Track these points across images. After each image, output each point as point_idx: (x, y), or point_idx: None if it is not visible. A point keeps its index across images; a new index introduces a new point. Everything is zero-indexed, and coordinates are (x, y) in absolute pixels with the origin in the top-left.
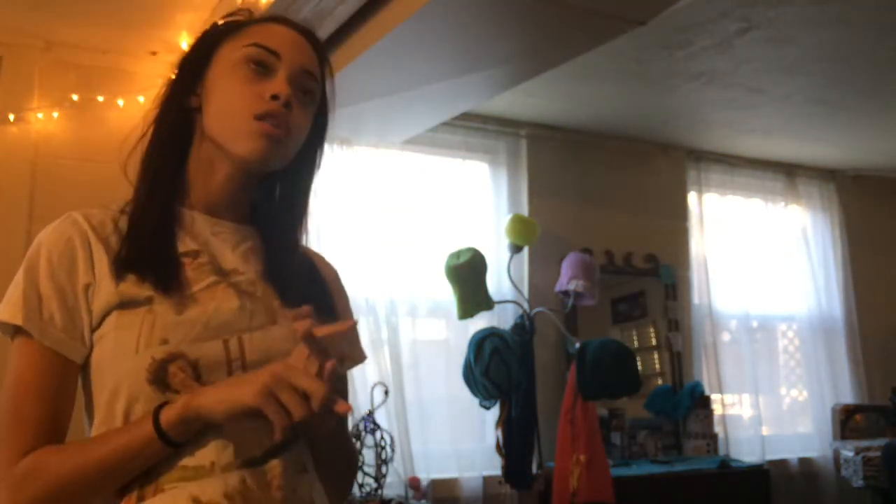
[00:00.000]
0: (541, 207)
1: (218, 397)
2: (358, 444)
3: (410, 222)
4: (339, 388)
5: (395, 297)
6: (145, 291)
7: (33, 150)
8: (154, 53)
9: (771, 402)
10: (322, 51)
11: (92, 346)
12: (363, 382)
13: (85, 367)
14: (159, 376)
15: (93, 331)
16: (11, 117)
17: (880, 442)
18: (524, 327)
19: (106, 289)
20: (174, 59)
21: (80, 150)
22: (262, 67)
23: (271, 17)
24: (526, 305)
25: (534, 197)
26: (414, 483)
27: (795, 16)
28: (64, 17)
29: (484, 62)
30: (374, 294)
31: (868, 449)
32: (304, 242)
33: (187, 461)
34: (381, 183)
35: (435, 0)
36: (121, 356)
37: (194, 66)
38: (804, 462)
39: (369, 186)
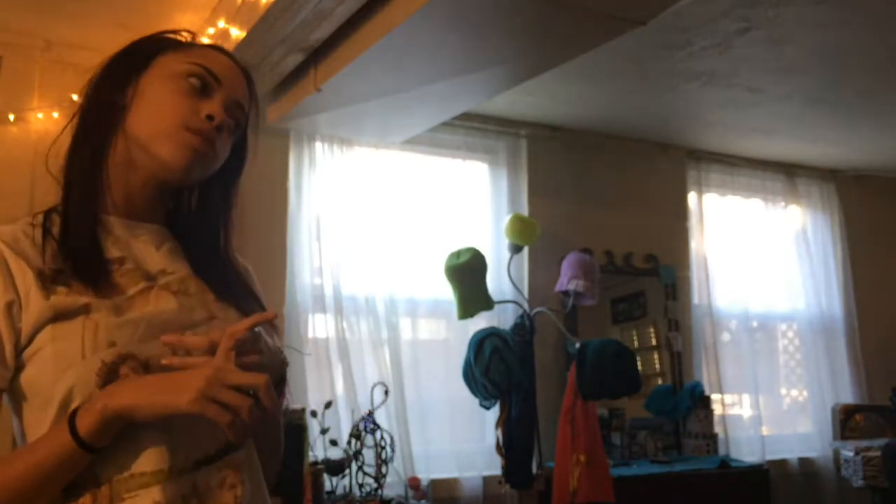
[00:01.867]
0: (541, 207)
1: (145, 400)
2: (358, 444)
3: (410, 222)
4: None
5: (395, 297)
6: (81, 299)
7: (33, 150)
8: None
9: (771, 402)
10: (254, 91)
11: (20, 367)
12: (363, 382)
13: (13, 391)
14: (111, 379)
15: (20, 351)
16: (11, 117)
17: (880, 442)
18: (524, 327)
19: (35, 304)
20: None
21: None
22: (201, 87)
23: (215, 47)
24: (526, 305)
25: (534, 197)
26: (414, 483)
27: (795, 16)
28: (64, 17)
29: (484, 62)
30: (374, 294)
31: (868, 449)
32: (230, 252)
33: (144, 467)
34: (381, 183)
35: (435, 0)
36: (66, 366)
37: (129, 65)
38: (804, 462)
39: (369, 186)
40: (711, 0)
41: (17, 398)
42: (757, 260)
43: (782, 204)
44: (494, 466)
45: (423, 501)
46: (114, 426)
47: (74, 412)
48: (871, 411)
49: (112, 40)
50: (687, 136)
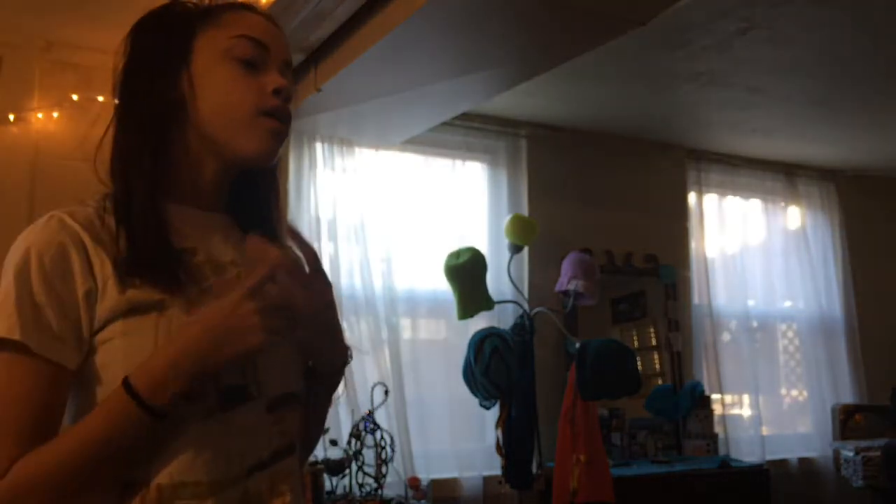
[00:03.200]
0: (541, 207)
1: (213, 352)
2: (358, 444)
3: (410, 222)
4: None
5: (395, 296)
6: (155, 295)
7: (33, 150)
8: None
9: (771, 402)
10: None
11: (91, 351)
12: (363, 382)
13: (83, 373)
14: None
15: (92, 335)
16: (11, 117)
17: (880, 442)
18: (524, 327)
19: (111, 295)
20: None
21: (80, 150)
22: (252, 60)
23: (243, 6)
24: (526, 305)
25: (534, 197)
26: (414, 483)
27: (795, 16)
28: (64, 17)
29: (484, 62)
30: (373, 294)
31: (868, 449)
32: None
33: (200, 476)
34: (381, 183)
35: (435, 0)
36: (136, 361)
37: (171, 55)
38: (804, 462)
39: (369, 186)
40: (711, 0)
41: (86, 381)
42: (757, 260)
43: (782, 204)
44: (494, 466)
45: (423, 501)
46: (182, 379)
47: (126, 378)
48: (871, 411)
49: (112, 40)
50: (687, 136)
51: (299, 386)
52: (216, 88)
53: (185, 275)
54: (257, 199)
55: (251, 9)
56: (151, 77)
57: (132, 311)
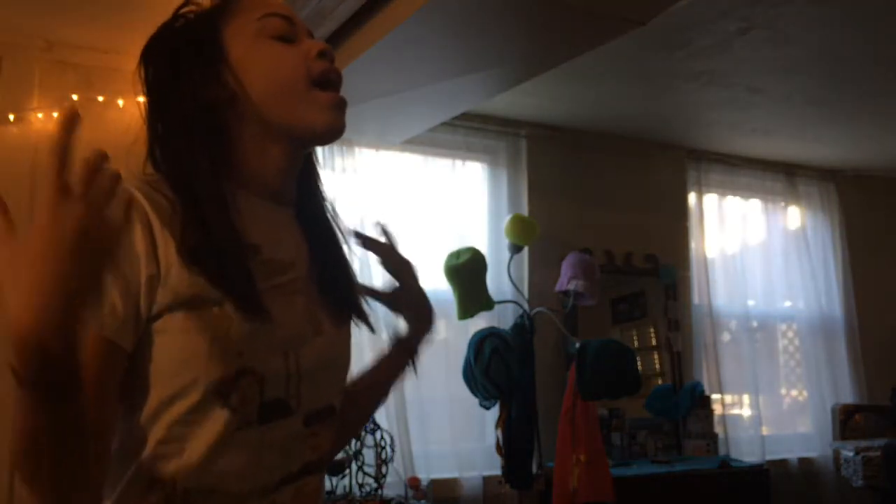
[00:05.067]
0: (541, 207)
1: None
2: (358, 444)
3: (410, 222)
4: None
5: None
6: (215, 292)
7: (33, 150)
8: None
9: (771, 402)
10: None
11: (146, 339)
12: None
13: (135, 356)
14: (225, 388)
15: (150, 320)
16: (11, 117)
17: (880, 442)
18: (524, 327)
19: (176, 280)
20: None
21: (80, 150)
22: (285, 34)
23: None
24: (526, 305)
25: (534, 197)
26: (414, 483)
27: (795, 16)
28: (64, 17)
29: (484, 62)
30: None
31: (868, 449)
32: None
33: (230, 486)
34: (381, 183)
35: (435, 0)
36: (188, 362)
37: (206, 57)
38: (804, 462)
39: (369, 186)
40: (711, 0)
41: (137, 364)
42: (757, 260)
43: (782, 204)
44: (494, 466)
45: (423, 501)
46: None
47: None
48: (871, 411)
49: (112, 40)
50: (687, 136)
51: (339, 399)
52: (262, 71)
53: (251, 280)
54: (311, 190)
55: None
56: (194, 85)
57: (193, 302)
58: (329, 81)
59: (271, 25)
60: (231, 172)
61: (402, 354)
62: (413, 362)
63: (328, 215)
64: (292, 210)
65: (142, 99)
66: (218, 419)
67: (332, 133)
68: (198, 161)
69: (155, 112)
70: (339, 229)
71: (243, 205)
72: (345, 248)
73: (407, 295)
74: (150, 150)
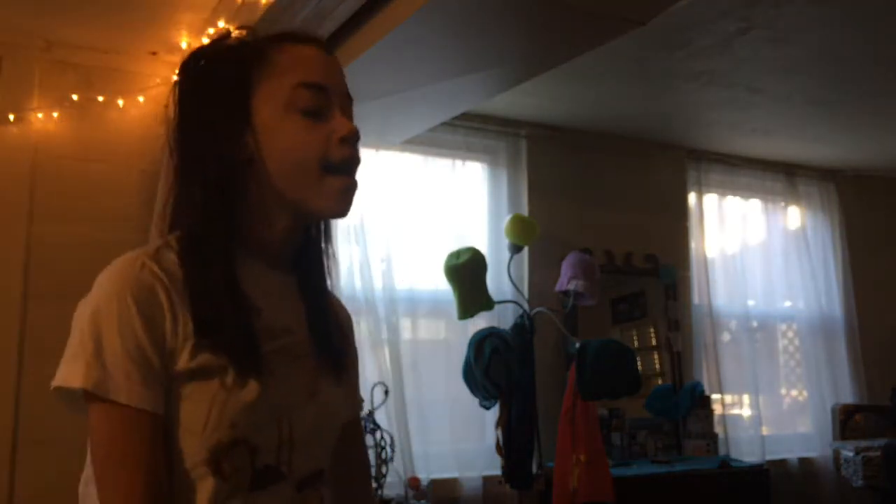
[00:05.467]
0: (541, 207)
1: None
2: None
3: (410, 222)
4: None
5: (394, 296)
6: (220, 361)
7: (33, 150)
8: (154, 53)
9: (771, 402)
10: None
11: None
12: (363, 382)
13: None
14: (217, 458)
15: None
16: (11, 117)
17: (880, 442)
18: (524, 327)
19: (187, 354)
20: (175, 59)
21: (80, 150)
22: (314, 109)
23: (294, 36)
24: (526, 305)
25: (534, 197)
26: (414, 483)
27: (795, 16)
28: (64, 17)
29: (484, 62)
30: (373, 294)
31: (868, 449)
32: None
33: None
34: (381, 183)
35: (435, 0)
36: (186, 429)
37: (234, 113)
38: (804, 462)
39: (369, 187)
40: (711, 0)
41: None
42: (757, 260)
43: (782, 204)
44: (494, 466)
45: (423, 501)
46: None
47: None
48: (871, 411)
49: (112, 40)
50: (687, 136)
51: (328, 461)
52: (281, 146)
53: (255, 351)
54: (317, 255)
55: (303, 40)
56: (216, 138)
57: (200, 375)
58: (345, 167)
59: (302, 98)
60: (240, 234)
61: None
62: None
63: (324, 284)
64: (291, 276)
65: (142, 99)
66: (208, 487)
67: (336, 217)
68: (212, 220)
69: (178, 160)
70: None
71: (246, 269)
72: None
73: None
74: (175, 199)
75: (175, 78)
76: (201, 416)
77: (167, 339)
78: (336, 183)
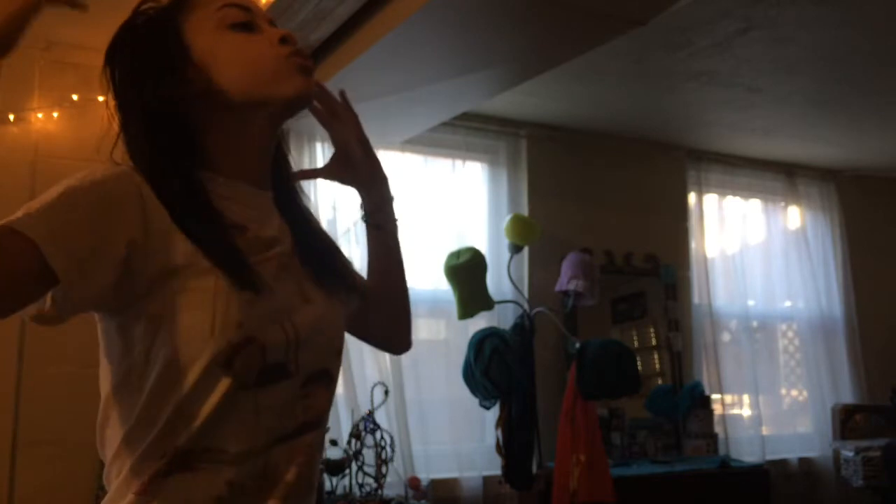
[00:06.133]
0: (541, 207)
1: None
2: (358, 444)
3: (410, 223)
4: None
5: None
6: (208, 262)
7: (33, 150)
8: None
9: (771, 402)
10: None
11: (146, 319)
12: (363, 382)
13: (128, 326)
14: (229, 359)
15: (137, 296)
16: (11, 117)
17: (880, 442)
18: (524, 327)
19: (176, 244)
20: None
21: (80, 150)
22: (246, 23)
23: None
24: (526, 305)
25: (534, 197)
26: (414, 483)
27: (795, 16)
28: (64, 17)
29: (484, 62)
30: None
31: (868, 449)
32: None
33: (226, 446)
34: None
35: (435, 0)
36: (192, 338)
37: (170, 55)
38: (804, 462)
39: None
40: (711, 0)
41: (130, 332)
42: (757, 260)
43: (782, 204)
44: (494, 466)
45: (423, 501)
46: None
47: None
48: (871, 411)
49: None
50: (687, 136)
51: (336, 364)
52: (228, 60)
53: (240, 254)
54: (283, 176)
55: None
56: (161, 83)
57: (191, 269)
58: (297, 56)
59: (231, 14)
60: (210, 161)
61: (379, 228)
62: (390, 227)
63: (300, 198)
64: (271, 193)
65: (104, 99)
66: (222, 387)
67: (304, 97)
68: (165, 158)
69: (123, 113)
70: (311, 210)
71: (227, 191)
72: (321, 224)
73: (352, 160)
74: (127, 150)
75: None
76: (206, 320)
77: (125, 230)
78: (292, 62)
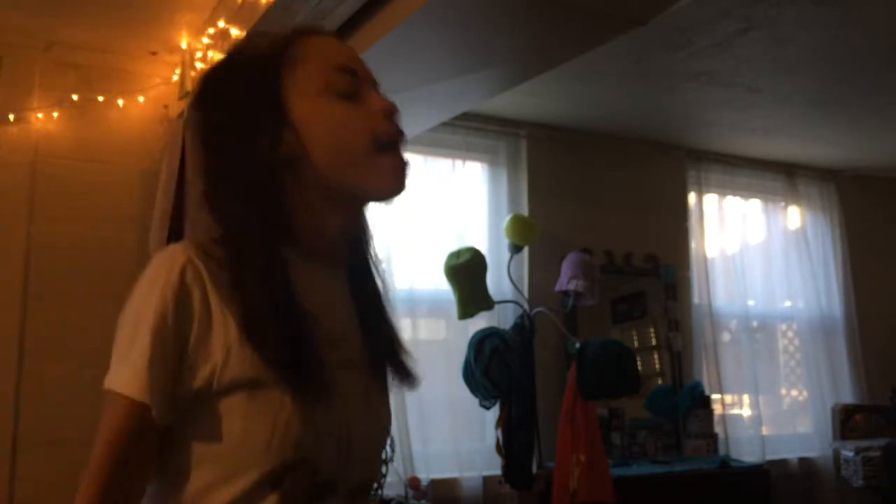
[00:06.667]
0: (541, 207)
1: None
2: None
3: (410, 222)
4: None
5: (394, 296)
6: (272, 374)
7: (33, 150)
8: (154, 53)
9: (771, 402)
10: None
11: (204, 415)
12: None
13: (182, 433)
14: (279, 476)
15: (203, 398)
16: (11, 117)
17: (880, 442)
18: (524, 327)
19: (237, 360)
20: (175, 59)
21: (80, 150)
22: (350, 91)
23: (313, 30)
24: (526, 305)
25: (534, 197)
26: (414, 483)
27: (795, 16)
28: (64, 17)
29: (484, 62)
30: None
31: (868, 449)
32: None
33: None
34: None
35: (435, 0)
36: (248, 448)
37: (266, 108)
38: (804, 462)
39: None
40: (711, 0)
41: (185, 441)
42: (757, 260)
43: (782, 204)
44: (494, 466)
45: (423, 501)
46: None
47: None
48: (871, 411)
49: (112, 40)
50: (687, 136)
51: (378, 474)
52: (326, 135)
53: (316, 368)
54: (365, 255)
55: (322, 33)
56: (251, 140)
57: (253, 385)
58: (393, 144)
59: (340, 82)
60: (286, 236)
61: None
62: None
63: (374, 277)
64: (344, 270)
65: (142, 99)
66: (268, 503)
67: (394, 195)
68: (254, 225)
69: (211, 165)
70: (384, 285)
71: (305, 274)
72: (387, 306)
73: None
74: (211, 213)
75: (194, 87)
76: (265, 433)
77: (190, 348)
78: (389, 161)
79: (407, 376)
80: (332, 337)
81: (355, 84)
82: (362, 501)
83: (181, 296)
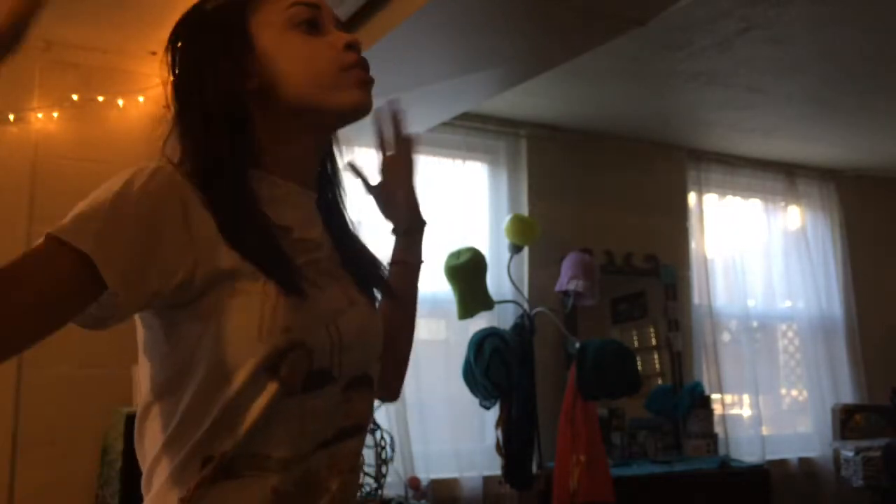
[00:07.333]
0: (541, 207)
1: None
2: None
3: None
4: None
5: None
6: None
7: (33, 150)
8: (154, 53)
9: (771, 402)
10: None
11: (191, 321)
12: None
13: (175, 325)
14: (276, 364)
15: (184, 302)
16: (11, 117)
17: (880, 442)
18: (524, 327)
19: (221, 254)
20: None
21: (80, 150)
22: (313, 22)
23: None
24: (526, 305)
25: (534, 197)
26: (414, 483)
27: (795, 16)
28: (64, 17)
29: (484, 62)
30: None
31: (868, 449)
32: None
33: (271, 451)
34: None
35: (435, 0)
36: (239, 341)
37: (234, 47)
38: (804, 462)
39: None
40: (711, 0)
41: (178, 341)
42: (757, 260)
43: (782, 204)
44: (494, 466)
45: (423, 501)
46: None
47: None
48: (871, 411)
49: (112, 40)
50: (687, 136)
51: (376, 369)
52: (293, 61)
53: (287, 259)
54: (334, 177)
55: None
56: (220, 75)
57: (234, 276)
58: (356, 66)
59: (299, 13)
60: (261, 159)
61: (405, 258)
62: (416, 263)
63: (343, 203)
64: (316, 195)
65: (142, 99)
66: (269, 392)
67: (360, 111)
68: (219, 154)
69: (181, 102)
70: (350, 216)
71: (277, 191)
72: (359, 231)
73: (392, 202)
74: (179, 142)
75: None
76: (253, 324)
77: (166, 240)
78: (354, 76)
79: (381, 284)
80: (306, 241)
81: (318, 16)
82: (363, 394)
83: (155, 188)
